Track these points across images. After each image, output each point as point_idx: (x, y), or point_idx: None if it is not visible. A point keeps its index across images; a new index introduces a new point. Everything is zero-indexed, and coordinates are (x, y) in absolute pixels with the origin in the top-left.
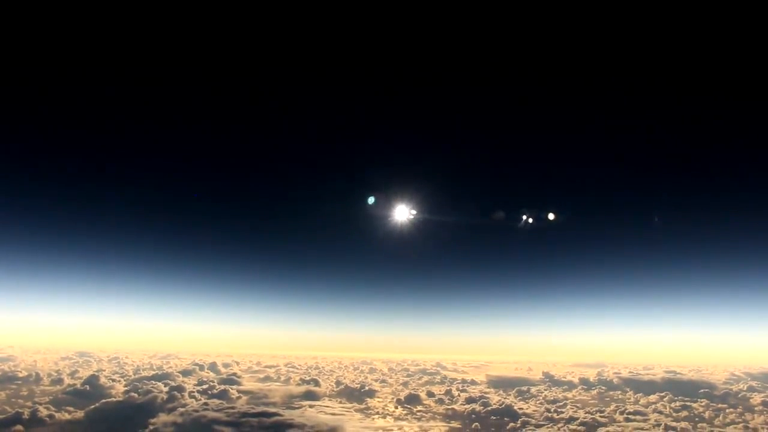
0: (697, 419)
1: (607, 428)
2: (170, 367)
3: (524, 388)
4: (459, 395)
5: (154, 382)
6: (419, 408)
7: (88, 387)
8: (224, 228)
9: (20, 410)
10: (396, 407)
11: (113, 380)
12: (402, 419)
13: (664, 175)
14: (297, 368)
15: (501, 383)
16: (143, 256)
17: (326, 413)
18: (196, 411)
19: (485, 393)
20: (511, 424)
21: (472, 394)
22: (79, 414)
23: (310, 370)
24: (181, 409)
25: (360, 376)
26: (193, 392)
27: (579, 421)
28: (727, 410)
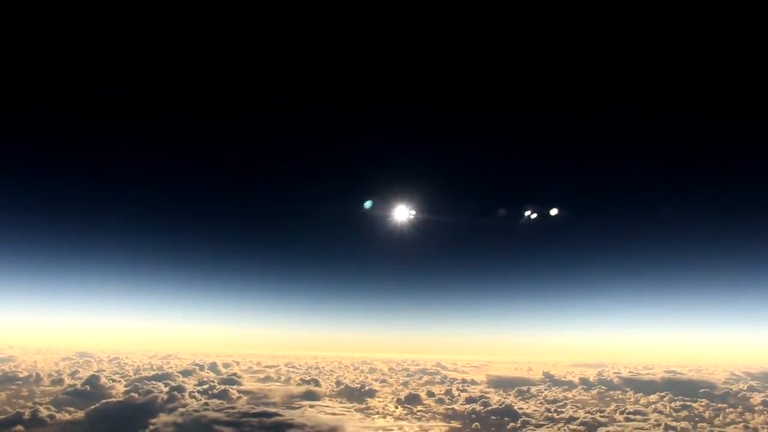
0: (697, 419)
1: (607, 428)
2: (170, 368)
3: (524, 388)
4: (459, 395)
5: (154, 382)
6: (419, 408)
7: (88, 387)
8: (224, 228)
9: (21, 410)
10: (396, 407)
11: (113, 380)
12: (402, 419)
13: (664, 175)
14: (297, 368)
15: (501, 383)
16: (143, 256)
17: (326, 413)
18: (197, 411)
19: (485, 393)
20: (511, 424)
21: (473, 394)
22: (80, 414)
23: (310, 370)
24: (182, 409)
25: (360, 376)
26: (194, 392)
27: (579, 420)
28: (727, 410)
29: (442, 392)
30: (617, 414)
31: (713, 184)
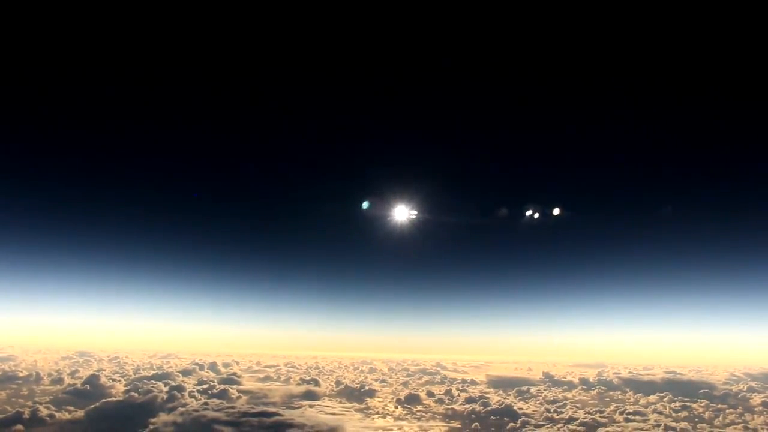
0: (696, 420)
1: (607, 428)
2: (170, 367)
3: (524, 388)
4: (459, 395)
5: (154, 381)
6: (419, 408)
7: (88, 387)
8: (224, 228)
9: (21, 410)
10: (396, 407)
11: (113, 380)
12: (402, 419)
13: (664, 175)
14: (297, 368)
15: (501, 383)
16: (143, 255)
17: (326, 413)
18: (196, 411)
19: (485, 393)
20: (511, 424)
21: (472, 394)
22: (80, 413)
23: (310, 370)
24: (181, 409)
25: (360, 375)
26: (193, 392)
27: (579, 421)
28: (727, 411)
29: (442, 392)
30: (617, 414)
31: (713, 185)
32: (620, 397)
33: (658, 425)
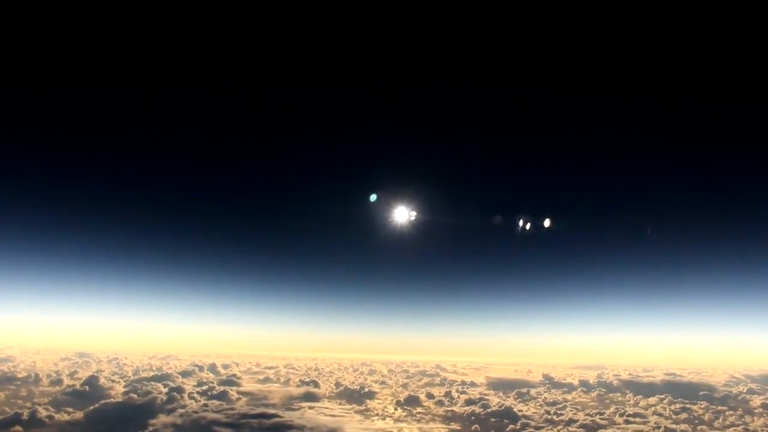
0: (696, 421)
1: (607, 430)
2: (170, 368)
3: (524, 390)
4: (459, 397)
5: (153, 383)
6: (419, 410)
7: (87, 388)
8: (224, 228)
9: (19, 411)
10: (396, 409)
11: (113, 381)
12: (402, 421)
13: (663, 176)
14: (296, 369)
15: (501, 385)
16: (143, 256)
17: (326, 415)
18: (196, 412)
19: (485, 395)
20: (511, 426)
21: (472, 396)
22: (79, 415)
23: (309, 372)
24: (181, 410)
25: (360, 377)
26: (193, 393)
27: (579, 423)
28: (727, 412)
29: (442, 394)
30: (617, 416)
31: (713, 186)
32: (620, 399)
33: (658, 427)
